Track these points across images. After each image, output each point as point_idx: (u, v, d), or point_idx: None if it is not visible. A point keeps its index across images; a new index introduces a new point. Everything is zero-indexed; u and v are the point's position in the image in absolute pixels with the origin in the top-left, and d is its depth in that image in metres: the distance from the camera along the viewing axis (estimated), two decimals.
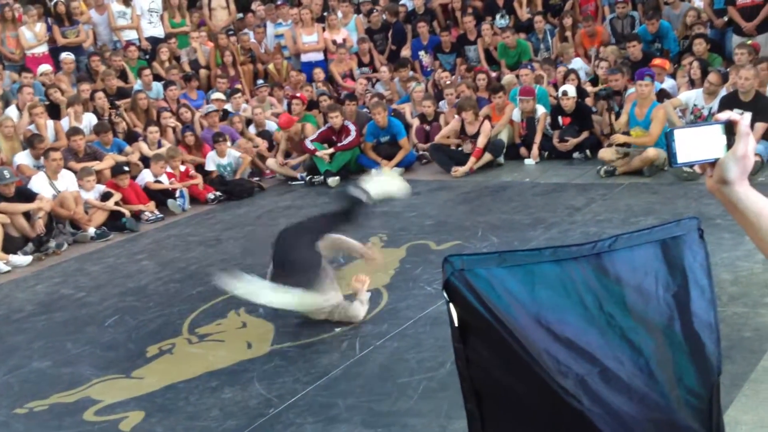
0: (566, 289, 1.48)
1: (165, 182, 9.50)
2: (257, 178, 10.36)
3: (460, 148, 9.73)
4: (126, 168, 9.32)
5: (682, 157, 1.38)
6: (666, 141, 1.40)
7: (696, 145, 1.37)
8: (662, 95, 9.14)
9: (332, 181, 9.75)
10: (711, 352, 1.48)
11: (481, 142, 9.54)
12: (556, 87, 10.20)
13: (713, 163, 1.38)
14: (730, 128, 1.37)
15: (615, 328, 1.46)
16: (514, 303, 1.46)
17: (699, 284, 1.51)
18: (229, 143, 10.22)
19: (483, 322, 1.47)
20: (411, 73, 12.03)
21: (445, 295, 1.51)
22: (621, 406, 1.40)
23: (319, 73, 12.29)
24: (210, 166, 10.06)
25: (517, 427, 1.55)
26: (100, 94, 10.77)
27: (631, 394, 1.42)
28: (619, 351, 1.44)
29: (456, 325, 1.54)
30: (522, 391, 1.48)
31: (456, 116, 9.91)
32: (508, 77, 11.03)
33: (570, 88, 9.50)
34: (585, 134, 9.41)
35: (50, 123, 10.10)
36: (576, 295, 1.48)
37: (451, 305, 1.53)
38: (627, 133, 8.66)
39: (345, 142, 9.93)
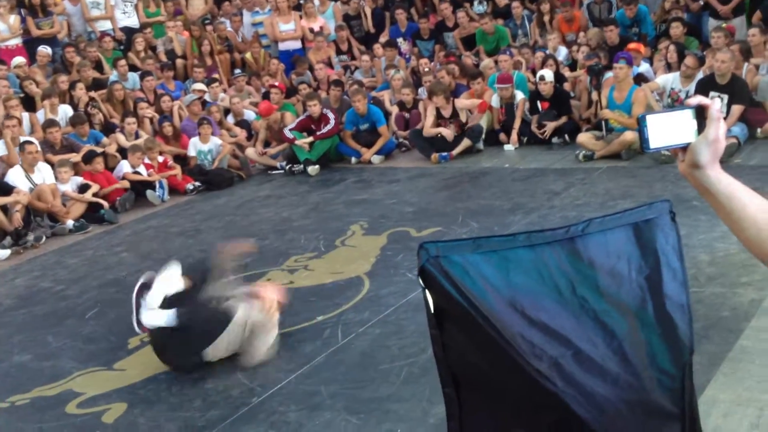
0: (540, 273, 1.50)
1: (143, 173, 9.46)
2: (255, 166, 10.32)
3: (439, 135, 9.71)
4: (98, 151, 9.30)
5: (654, 143, 1.40)
6: (638, 126, 1.41)
7: (668, 130, 1.38)
8: (639, 79, 9.19)
9: (312, 169, 9.74)
10: (683, 333, 1.50)
11: (469, 104, 9.68)
12: (534, 72, 10.22)
13: (685, 148, 1.39)
14: (700, 113, 1.38)
15: (588, 311, 1.47)
16: (489, 288, 1.47)
17: (671, 266, 1.53)
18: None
19: (458, 308, 1.48)
20: (397, 59, 12.00)
21: (421, 282, 1.52)
22: (594, 387, 1.42)
23: (300, 61, 12.23)
24: (191, 152, 10.02)
25: (494, 410, 1.57)
26: (80, 86, 10.69)
27: (605, 376, 1.43)
28: (592, 333, 1.46)
29: (432, 311, 1.56)
30: (498, 374, 1.50)
31: (430, 102, 9.92)
32: (485, 62, 11.04)
33: (547, 73, 9.52)
34: (563, 119, 9.44)
35: (26, 115, 10.00)
36: (550, 279, 1.49)
37: (427, 292, 1.54)
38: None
39: (324, 130, 9.91)
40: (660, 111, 1.42)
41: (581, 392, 1.41)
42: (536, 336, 1.45)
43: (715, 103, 1.38)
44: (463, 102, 9.79)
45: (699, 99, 1.39)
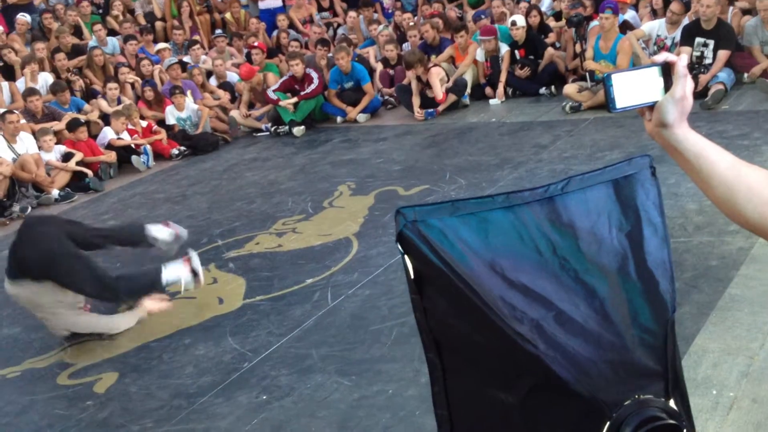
0: (520, 234, 1.46)
1: (127, 138, 9.37)
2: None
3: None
4: (82, 119, 9.21)
5: (620, 102, 1.36)
6: (604, 86, 1.37)
7: (634, 88, 1.35)
8: (625, 27, 9.09)
9: (297, 130, 9.65)
10: (665, 290, 1.47)
11: (437, 91, 9.41)
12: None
13: (652, 107, 1.36)
14: (667, 70, 1.34)
15: (569, 271, 1.44)
16: (468, 251, 1.44)
17: (652, 222, 1.49)
18: (189, 98, 10.05)
19: (438, 273, 1.45)
20: (375, 15, 11.84)
21: (399, 247, 1.49)
22: (576, 348, 1.40)
23: (283, 20, 12.05)
24: (170, 120, 9.92)
25: (477, 375, 1.55)
26: (60, 56, 10.54)
27: (586, 336, 1.41)
28: (573, 294, 1.43)
29: (412, 276, 1.53)
30: (479, 338, 1.47)
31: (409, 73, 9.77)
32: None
33: (519, 18, 9.45)
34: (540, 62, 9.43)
35: (5, 84, 9.86)
36: (530, 240, 1.46)
37: (406, 257, 1.51)
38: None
39: (308, 90, 9.80)
40: (626, 69, 1.38)
41: (563, 354, 1.39)
42: (517, 298, 1.42)
43: (682, 60, 1.34)
44: (433, 79, 9.51)
45: (665, 56, 1.35)
